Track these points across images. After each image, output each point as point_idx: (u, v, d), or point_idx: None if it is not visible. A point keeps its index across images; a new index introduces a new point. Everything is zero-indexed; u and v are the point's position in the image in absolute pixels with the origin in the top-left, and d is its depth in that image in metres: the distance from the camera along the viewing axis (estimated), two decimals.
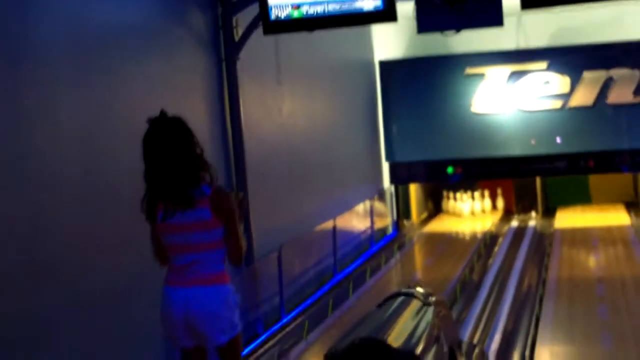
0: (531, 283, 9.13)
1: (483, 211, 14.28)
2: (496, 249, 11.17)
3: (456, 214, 14.23)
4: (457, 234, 13.10)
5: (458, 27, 6.85)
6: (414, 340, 4.21)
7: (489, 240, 11.87)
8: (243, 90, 7.61)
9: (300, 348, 7.18)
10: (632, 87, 12.29)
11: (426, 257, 11.12)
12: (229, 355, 4.20)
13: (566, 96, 12.47)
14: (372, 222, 11.67)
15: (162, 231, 4.12)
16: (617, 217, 13.31)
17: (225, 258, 4.14)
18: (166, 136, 4.00)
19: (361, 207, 11.41)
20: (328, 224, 9.83)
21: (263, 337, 7.41)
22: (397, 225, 13.19)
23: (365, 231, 11.48)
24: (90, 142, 5.32)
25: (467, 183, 14.17)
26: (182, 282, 4.10)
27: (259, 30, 7.44)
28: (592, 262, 10.35)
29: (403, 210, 13.50)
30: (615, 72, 12.36)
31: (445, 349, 4.63)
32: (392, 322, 4.52)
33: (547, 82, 12.49)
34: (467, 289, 8.96)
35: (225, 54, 7.47)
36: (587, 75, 12.38)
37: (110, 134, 5.55)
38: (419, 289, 5.31)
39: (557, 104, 12.51)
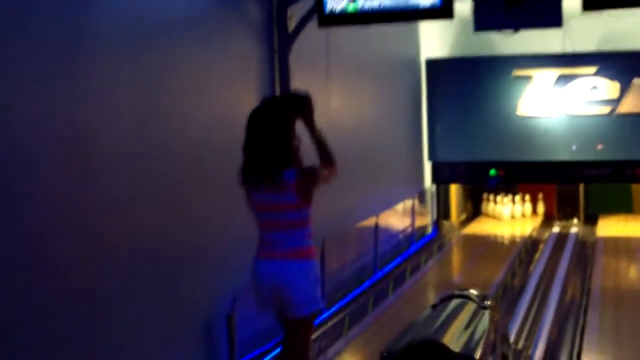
0: (575, 291, 8.98)
1: (523, 215, 14.12)
2: (537, 254, 11.01)
3: (496, 217, 14.08)
4: (496, 237, 12.95)
5: (516, 27, 6.71)
6: (472, 344, 4.11)
7: (530, 245, 11.72)
8: (294, 82, 7.52)
9: (340, 345, 7.09)
10: None
11: (466, 259, 10.98)
12: (299, 332, 4.38)
13: (615, 102, 12.26)
14: (413, 221, 11.56)
15: (253, 207, 4.44)
16: None
17: (310, 234, 4.40)
18: (270, 118, 4.31)
19: (402, 206, 11.30)
20: (370, 221, 9.74)
21: None
22: (437, 225, 13.06)
23: (405, 230, 11.37)
24: (146, 129, 5.27)
25: (508, 186, 14.02)
26: (269, 255, 4.37)
27: (311, 24, 7.39)
28: (637, 272, 10.16)
29: (443, 210, 13.37)
30: None
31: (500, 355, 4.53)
32: (449, 325, 4.42)
33: (596, 87, 12.29)
34: (509, 294, 8.83)
35: (278, 45, 7.38)
36: (638, 81, 12.15)
37: (166, 121, 5.51)
38: (474, 291, 5.21)
39: (605, 109, 12.30)
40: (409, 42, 12.39)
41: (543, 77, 12.46)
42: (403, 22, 7.16)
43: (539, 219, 13.98)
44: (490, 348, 4.28)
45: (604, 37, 13.01)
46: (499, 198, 14.16)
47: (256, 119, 4.38)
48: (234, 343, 6.09)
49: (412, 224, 11.56)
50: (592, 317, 7.81)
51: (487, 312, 4.77)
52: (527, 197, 14.25)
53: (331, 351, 6.91)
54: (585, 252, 11.17)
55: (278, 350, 6.66)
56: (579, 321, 7.68)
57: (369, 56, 10.22)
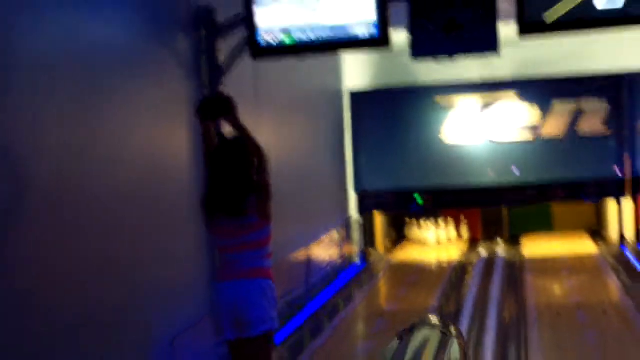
0: (512, 312, 9.03)
1: (449, 240, 14.19)
2: (468, 278, 11.06)
3: (421, 243, 14.12)
4: (425, 263, 12.98)
5: (453, 53, 6.74)
6: None
7: (459, 269, 11.77)
8: None
9: None
10: (602, 118, 12.38)
11: (398, 286, 10.95)
12: (260, 351, 4.60)
13: (536, 127, 12.50)
14: (342, 251, 11.49)
15: (215, 232, 4.77)
16: (583, 245, 13.35)
17: (270, 254, 4.74)
18: (233, 156, 4.66)
19: (329, 236, 11.22)
20: (300, 253, 9.63)
21: None
22: (364, 254, 13.02)
23: (333, 260, 11.29)
24: (70, 168, 5.01)
25: (431, 211, 14.09)
26: (230, 276, 4.62)
27: (245, 56, 7.29)
28: (568, 290, 10.29)
29: (368, 239, 13.34)
30: (585, 104, 12.42)
31: None
32: (422, 357, 4.31)
33: (518, 113, 12.51)
34: (447, 319, 8.78)
35: (208, 80, 7.24)
36: (558, 106, 12.42)
37: (91, 160, 5.26)
38: (434, 318, 5.12)
39: (528, 134, 12.53)
40: (331, 73, 12.40)
41: (465, 104, 12.62)
42: (340, 53, 7.13)
43: (464, 243, 14.08)
44: None
45: (523, 63, 13.28)
46: (422, 223, 14.21)
47: (221, 155, 4.70)
48: None
49: (341, 254, 11.49)
50: (533, 337, 7.86)
51: (454, 340, 4.68)
52: (451, 221, 14.34)
53: None
54: (515, 273, 11.28)
55: None
56: (521, 341, 7.71)
57: (295, 88, 10.16)
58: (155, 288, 6.02)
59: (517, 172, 12.56)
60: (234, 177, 4.62)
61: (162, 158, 6.32)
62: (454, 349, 4.79)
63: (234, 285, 4.61)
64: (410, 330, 5.18)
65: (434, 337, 4.89)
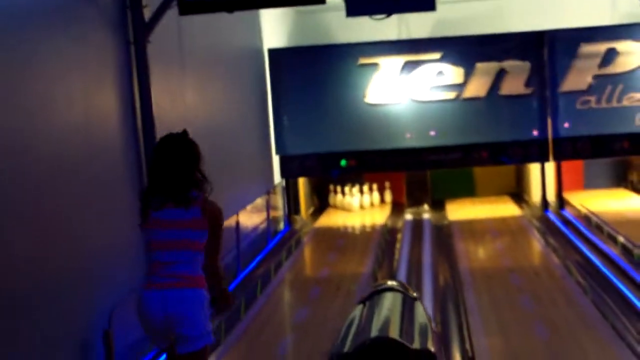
0: (446, 276, 8.92)
1: (372, 205, 14.04)
2: (397, 243, 10.92)
3: (345, 209, 13.93)
4: (352, 228, 12.82)
5: (389, 12, 6.49)
6: (421, 338, 3.83)
7: (387, 234, 11.63)
8: (152, 76, 7.00)
9: (221, 351, 6.65)
10: (524, 78, 12.33)
11: (327, 253, 10.73)
12: None
13: (460, 87, 12.37)
14: (269, 218, 11.21)
15: (152, 226, 4.31)
16: (507, 208, 13.39)
17: (202, 261, 4.30)
18: (180, 150, 4.29)
19: (256, 203, 10.92)
20: (230, 220, 9.31)
21: None
22: (289, 220, 12.76)
23: (260, 227, 11.00)
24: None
25: (354, 177, 13.92)
26: (160, 284, 4.21)
27: (169, 12, 6.94)
28: (498, 253, 10.27)
29: (292, 205, 13.08)
30: (508, 64, 12.36)
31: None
32: (389, 320, 4.12)
33: (441, 73, 12.36)
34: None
35: (134, 36, 6.84)
36: (480, 66, 12.32)
37: (17, 121, 4.87)
38: (394, 283, 4.93)
39: (451, 94, 12.40)
40: (251, 32, 12.01)
41: (389, 64, 12.40)
42: (273, 7, 6.80)
43: (388, 208, 13.96)
44: (437, 338, 4.02)
45: (438, 23, 13.19)
46: (346, 189, 14.02)
47: (170, 143, 4.36)
48: (112, 359, 5.61)
49: (268, 221, 11.21)
50: (470, 300, 7.77)
51: (418, 303, 4.50)
52: (375, 186, 14.19)
53: (217, 353, 6.48)
54: (443, 237, 11.21)
55: None
56: (460, 305, 7.60)
57: (217, 48, 9.79)
58: (92, 257, 5.71)
59: (433, 134, 12.40)
60: (181, 166, 4.26)
61: (89, 117, 5.93)
62: (419, 310, 4.64)
63: (165, 296, 4.18)
64: (372, 295, 5.01)
65: (397, 300, 4.74)
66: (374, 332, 3.88)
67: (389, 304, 4.53)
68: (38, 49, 5.23)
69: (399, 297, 4.65)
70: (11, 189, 4.70)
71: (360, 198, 13.99)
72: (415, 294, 4.84)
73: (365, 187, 14.06)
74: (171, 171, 4.25)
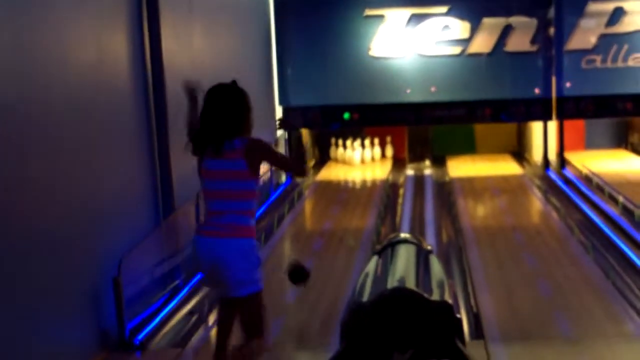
0: (449, 232, 8.95)
1: (373, 159, 14.01)
2: (400, 199, 10.93)
3: (346, 162, 13.91)
4: (354, 182, 12.81)
5: None
6: (439, 290, 3.84)
7: (389, 189, 11.63)
8: (162, 20, 6.94)
9: None
10: (530, 35, 12.25)
11: (330, 206, 10.72)
12: (246, 311, 4.33)
13: (465, 42, 12.29)
14: (272, 170, 11.18)
15: (204, 175, 4.36)
16: (508, 166, 13.39)
17: (254, 211, 4.35)
18: (227, 99, 4.29)
19: None
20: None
21: (186, 289, 6.87)
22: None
23: (262, 179, 10.96)
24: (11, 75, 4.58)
25: (356, 130, 13.87)
26: (208, 232, 4.30)
27: None
28: (501, 210, 10.28)
29: (294, 156, 13.01)
30: (514, 20, 12.27)
31: None
32: (407, 272, 4.13)
33: (447, 27, 12.27)
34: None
35: None
36: (487, 21, 12.22)
37: (32, 65, 4.82)
38: (407, 235, 4.94)
39: (456, 49, 12.32)
40: None
41: (395, 17, 12.29)
42: None
43: (388, 163, 13.93)
44: (452, 290, 4.03)
45: None
46: (348, 143, 13.98)
47: (220, 93, 4.34)
48: (121, 306, 5.63)
49: (271, 173, 11.18)
50: (473, 256, 7.80)
51: (433, 257, 4.51)
52: (376, 140, 14.15)
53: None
54: (445, 193, 11.21)
55: (166, 310, 6.28)
56: (463, 261, 7.63)
57: None
58: (101, 202, 5.69)
59: (433, 90, 12.35)
60: (229, 115, 4.26)
61: (101, 59, 5.88)
62: (435, 263, 4.66)
63: (213, 244, 4.27)
64: (386, 247, 5.02)
65: (411, 252, 4.75)
66: (392, 283, 3.89)
67: (405, 255, 4.54)
68: None
69: (413, 249, 4.65)
70: (23, 129, 4.67)
71: (362, 152, 13.95)
72: (429, 247, 4.85)
73: (367, 141, 14.02)
74: (219, 121, 4.27)
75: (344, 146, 14.02)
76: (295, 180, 12.33)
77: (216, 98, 4.33)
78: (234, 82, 4.40)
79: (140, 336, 5.76)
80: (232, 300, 4.36)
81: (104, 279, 5.58)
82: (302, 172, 4.52)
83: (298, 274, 4.48)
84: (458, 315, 3.94)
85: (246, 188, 4.27)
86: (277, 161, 4.53)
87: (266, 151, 4.33)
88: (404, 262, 4.39)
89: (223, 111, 4.28)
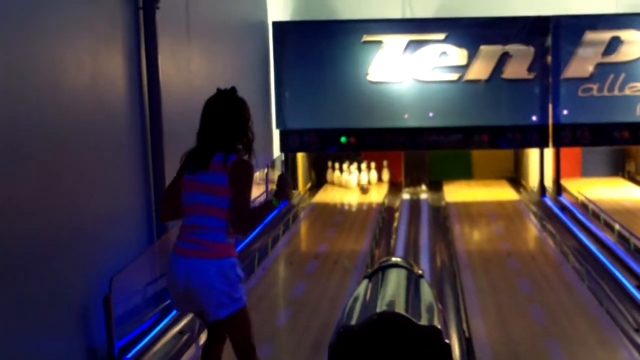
0: (443, 257, 8.93)
1: (369, 183, 14.01)
2: (395, 223, 10.92)
3: (342, 185, 13.92)
4: (349, 205, 12.80)
5: None
6: (429, 314, 3.83)
7: (384, 212, 11.63)
8: (160, 42, 6.96)
9: None
10: (527, 63, 12.30)
11: (325, 229, 10.71)
12: (233, 331, 4.25)
13: (463, 68, 12.34)
14: (267, 192, 11.20)
15: (182, 189, 4.29)
16: (504, 192, 13.39)
17: (229, 229, 4.21)
18: (222, 108, 4.23)
19: (255, 176, 10.87)
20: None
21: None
22: None
23: (258, 200, 10.98)
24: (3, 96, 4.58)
25: (353, 154, 13.90)
26: (183, 250, 4.19)
27: None
28: (495, 236, 10.27)
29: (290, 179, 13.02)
30: (511, 47, 12.32)
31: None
32: (396, 296, 4.12)
33: (445, 54, 12.32)
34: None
35: (143, 2, 6.79)
36: (484, 48, 12.28)
37: (25, 86, 4.82)
38: (399, 259, 4.93)
39: (454, 76, 12.36)
40: (257, 4, 11.97)
41: (393, 43, 12.35)
42: None
43: (385, 186, 13.94)
44: (442, 315, 4.02)
45: (441, 5, 13.15)
46: (344, 166, 14.00)
47: (212, 103, 4.30)
48: (111, 325, 5.60)
49: (267, 194, 11.19)
50: (467, 282, 7.79)
51: (423, 280, 4.50)
52: (372, 164, 14.16)
53: None
54: (440, 218, 11.21)
55: (156, 330, 6.25)
56: (457, 286, 7.61)
57: (223, 18, 9.76)
58: (94, 220, 5.68)
59: (431, 115, 12.38)
60: (223, 124, 4.21)
61: (97, 80, 5.89)
62: (425, 287, 4.64)
63: (190, 265, 4.15)
64: (377, 271, 5.01)
65: (402, 276, 4.74)
66: (381, 307, 3.89)
67: (395, 280, 4.53)
68: (49, 9, 5.18)
69: (404, 273, 4.65)
70: (17, 149, 4.66)
71: (358, 176, 13.96)
72: (420, 271, 4.85)
73: (363, 165, 14.03)
74: (214, 131, 4.20)
75: (341, 170, 14.03)
76: (290, 202, 12.33)
77: (212, 108, 4.25)
78: (232, 89, 4.30)
79: (129, 355, 5.74)
80: (215, 324, 4.27)
81: (94, 297, 5.56)
82: (240, 229, 4.22)
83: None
84: (447, 341, 3.93)
85: (223, 205, 4.15)
86: (234, 197, 4.15)
87: (240, 178, 4.14)
88: (394, 286, 4.38)
89: (219, 121, 4.19)
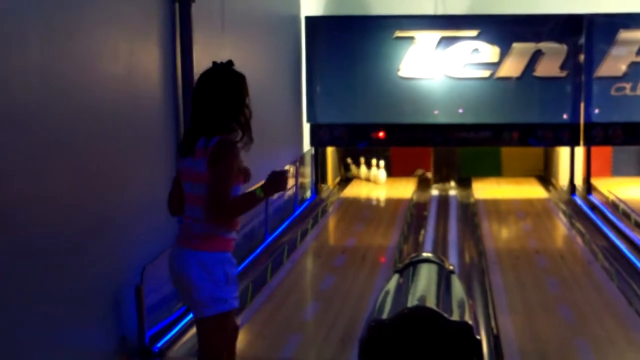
0: (472, 254, 8.93)
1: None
2: (422, 218, 10.93)
3: (371, 181, 13.94)
4: (378, 200, 12.83)
5: None
6: (459, 311, 3.86)
7: (414, 208, 11.64)
8: (194, 35, 7.01)
9: (245, 314, 6.71)
10: (560, 61, 12.24)
11: (353, 223, 10.75)
12: (204, 335, 3.89)
13: (495, 65, 12.30)
14: (297, 185, 11.24)
15: (178, 175, 4.01)
16: (533, 190, 13.35)
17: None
18: (215, 83, 3.84)
19: (288, 168, 10.95)
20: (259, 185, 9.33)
21: None
22: (316, 189, 12.78)
23: (288, 194, 11.03)
24: (41, 86, 4.65)
25: (382, 150, 13.91)
26: (179, 241, 3.92)
27: None
28: (524, 233, 10.25)
29: (320, 173, 13.09)
30: (544, 45, 12.27)
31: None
32: (427, 291, 4.15)
33: (477, 50, 12.29)
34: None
35: None
36: (517, 46, 12.24)
37: (63, 75, 4.88)
38: (430, 254, 4.96)
39: (486, 73, 12.33)
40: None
41: (425, 39, 12.34)
42: None
43: (414, 182, 13.94)
44: (472, 311, 4.05)
45: (473, 2, 13.12)
46: (373, 161, 14.01)
47: (198, 83, 3.92)
48: (142, 314, 5.67)
49: (296, 188, 11.24)
50: (495, 279, 7.79)
51: (455, 276, 4.53)
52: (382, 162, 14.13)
53: (241, 318, 6.54)
54: (469, 215, 11.20)
55: (186, 320, 6.31)
56: (485, 283, 7.62)
57: (256, 12, 9.82)
58: (128, 210, 5.75)
59: (461, 111, 12.36)
60: (213, 102, 3.81)
61: (132, 72, 5.96)
62: (456, 283, 4.67)
63: (177, 255, 3.87)
64: (408, 265, 5.04)
65: (433, 271, 4.77)
66: (412, 302, 3.91)
67: (426, 275, 4.56)
68: (86, 2, 5.24)
69: (435, 268, 4.67)
70: (55, 139, 4.73)
71: (387, 171, 13.98)
72: (451, 267, 4.87)
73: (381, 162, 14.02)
74: (198, 112, 3.83)
75: (370, 164, 14.03)
76: (319, 196, 12.39)
77: (204, 83, 3.86)
78: (229, 62, 3.93)
79: (160, 344, 5.81)
80: (196, 321, 3.93)
81: (126, 287, 5.63)
82: (214, 219, 3.76)
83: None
84: (478, 337, 3.94)
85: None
86: (210, 183, 3.73)
87: (218, 162, 3.70)
88: (425, 281, 4.41)
89: (211, 98, 3.79)
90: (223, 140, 3.76)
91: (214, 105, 3.80)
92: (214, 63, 3.93)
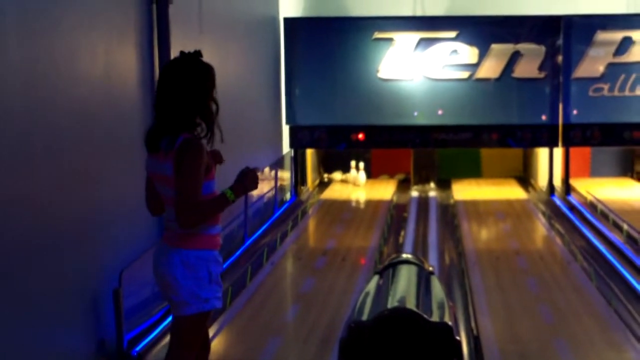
0: (451, 255, 8.94)
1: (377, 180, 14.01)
2: (402, 220, 10.93)
3: (350, 182, 13.94)
4: (358, 202, 12.82)
5: None
6: (440, 311, 3.85)
7: (394, 210, 11.64)
8: (172, 36, 6.98)
9: (225, 317, 6.67)
10: (538, 62, 12.29)
11: (333, 225, 10.73)
12: (176, 332, 3.82)
13: (473, 67, 12.33)
14: (276, 188, 11.21)
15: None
16: (512, 191, 13.39)
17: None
18: (178, 74, 3.63)
19: (264, 171, 10.91)
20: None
21: None
22: (295, 191, 12.76)
23: (267, 196, 11.00)
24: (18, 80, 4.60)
25: (362, 151, 13.91)
26: (163, 239, 3.80)
27: None
28: (504, 234, 10.27)
29: (299, 175, 13.07)
30: (522, 47, 12.31)
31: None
32: (407, 291, 4.13)
33: (455, 52, 12.31)
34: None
35: None
36: (495, 47, 12.27)
37: (40, 76, 4.84)
38: (409, 256, 4.95)
39: (464, 74, 12.35)
40: (268, 0, 11.99)
41: (404, 40, 12.34)
42: None
43: (394, 184, 13.95)
44: (452, 312, 4.04)
45: (452, 3, 13.16)
46: (353, 163, 14.01)
47: (169, 68, 3.70)
48: (121, 318, 5.61)
49: (275, 191, 11.20)
50: (475, 280, 7.79)
51: (434, 278, 4.52)
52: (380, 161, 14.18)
53: (221, 320, 6.51)
54: (449, 216, 11.21)
55: (165, 323, 6.27)
56: (465, 284, 7.62)
57: (235, 13, 9.78)
58: (105, 213, 5.70)
59: (440, 113, 12.38)
60: (175, 95, 3.61)
61: (110, 73, 5.91)
62: (436, 284, 4.66)
63: (163, 252, 3.75)
64: (388, 267, 5.03)
65: (412, 273, 4.76)
66: (392, 303, 3.89)
67: (406, 276, 4.55)
68: (64, 3, 5.19)
69: (415, 270, 4.66)
70: (32, 140, 4.68)
71: (366, 173, 13.97)
72: (431, 268, 4.86)
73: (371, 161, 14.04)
74: (161, 106, 3.67)
75: (349, 166, 14.03)
76: (299, 198, 12.36)
77: (167, 74, 3.67)
78: (196, 52, 3.70)
79: (138, 347, 5.76)
80: (175, 320, 3.82)
81: (104, 290, 5.58)
82: (183, 223, 3.62)
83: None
84: (458, 337, 3.94)
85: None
86: (176, 186, 3.61)
87: (183, 164, 3.57)
88: (405, 283, 4.39)
89: (173, 90, 3.60)
90: (187, 141, 3.63)
91: (176, 97, 3.63)
92: (181, 52, 3.72)
